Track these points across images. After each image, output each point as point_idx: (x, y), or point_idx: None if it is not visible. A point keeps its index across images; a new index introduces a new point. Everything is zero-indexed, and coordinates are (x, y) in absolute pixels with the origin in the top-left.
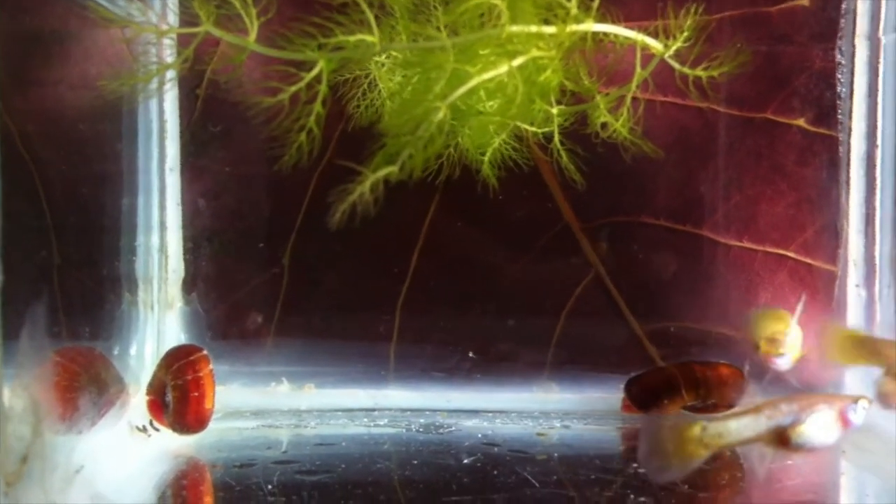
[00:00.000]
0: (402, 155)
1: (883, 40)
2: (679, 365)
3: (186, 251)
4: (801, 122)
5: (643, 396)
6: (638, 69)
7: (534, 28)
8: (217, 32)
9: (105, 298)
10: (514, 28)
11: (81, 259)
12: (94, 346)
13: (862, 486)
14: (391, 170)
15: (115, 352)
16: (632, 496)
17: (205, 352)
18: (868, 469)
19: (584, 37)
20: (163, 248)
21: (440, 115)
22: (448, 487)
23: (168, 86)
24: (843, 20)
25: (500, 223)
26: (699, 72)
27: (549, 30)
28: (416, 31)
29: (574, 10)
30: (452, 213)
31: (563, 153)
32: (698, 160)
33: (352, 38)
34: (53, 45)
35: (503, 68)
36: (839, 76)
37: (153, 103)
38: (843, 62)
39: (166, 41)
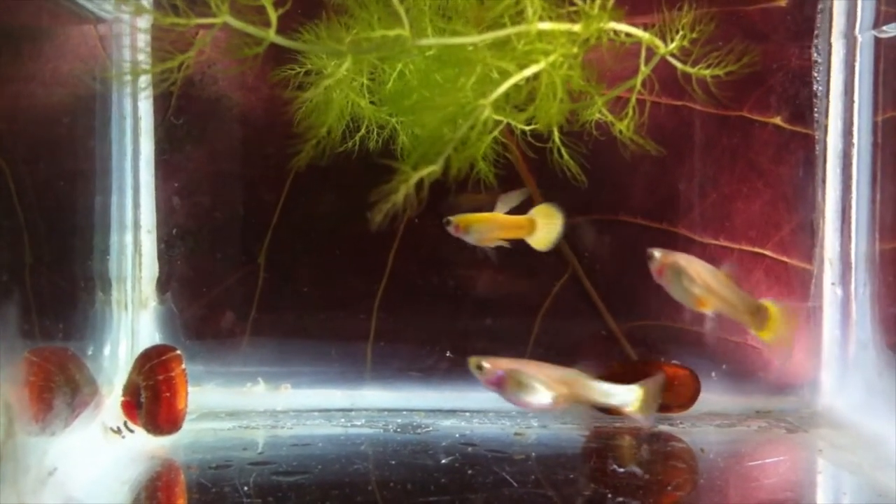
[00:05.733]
0: (443, 153)
1: (859, 38)
2: (624, 363)
3: (160, 250)
4: (777, 119)
5: None
6: (642, 66)
7: (564, 26)
8: (236, 24)
9: (78, 298)
10: (543, 25)
11: (54, 258)
12: (68, 347)
13: (838, 483)
14: (433, 169)
15: (89, 352)
16: (609, 495)
17: (177, 351)
18: (844, 467)
19: (599, 35)
20: (136, 246)
21: (486, 113)
22: (426, 488)
23: (143, 82)
24: (819, 18)
25: None
26: (703, 71)
27: (576, 27)
28: (443, 27)
29: (597, 9)
30: (429, 211)
31: (564, 152)
32: (674, 158)
33: (391, 33)
34: (25, 41)
35: (540, 65)
36: (815, 74)
37: (127, 100)
38: (819, 60)
39: (140, 35)
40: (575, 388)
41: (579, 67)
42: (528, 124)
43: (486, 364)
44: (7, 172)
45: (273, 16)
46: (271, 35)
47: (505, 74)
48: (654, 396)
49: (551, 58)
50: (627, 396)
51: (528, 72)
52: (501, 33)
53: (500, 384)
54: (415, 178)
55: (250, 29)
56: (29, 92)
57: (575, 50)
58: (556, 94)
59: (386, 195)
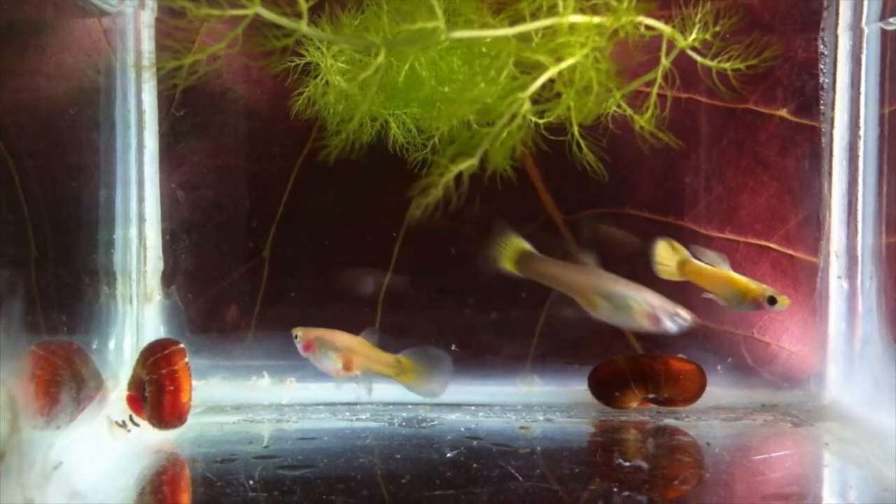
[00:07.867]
0: (480, 148)
1: (866, 30)
2: (629, 358)
3: (165, 243)
4: (783, 112)
5: (598, 389)
6: (663, 59)
7: (595, 19)
8: (268, 15)
9: (83, 292)
10: (576, 18)
11: (58, 252)
12: (73, 341)
13: (844, 477)
14: (471, 163)
15: (94, 346)
16: (615, 489)
17: (181, 345)
18: (850, 461)
19: (628, 27)
20: (141, 240)
21: (525, 106)
22: (431, 481)
23: (147, 75)
24: (825, 10)
25: (483, 215)
26: (724, 64)
27: (605, 21)
28: (474, 20)
29: (626, 2)
30: (434, 205)
31: (583, 144)
32: (680, 151)
33: (429, 25)
34: (30, 35)
35: (575, 58)
36: (822, 66)
37: (131, 93)
38: (825, 52)
39: (144, 30)
40: (360, 355)
41: (607, 60)
42: (560, 118)
43: (300, 332)
44: (12, 166)
45: (304, 6)
46: (303, 27)
47: (539, 68)
48: (420, 367)
49: (584, 50)
50: (394, 368)
51: (564, 65)
52: (533, 26)
53: (308, 349)
54: (453, 171)
55: (283, 21)
56: (33, 85)
57: (604, 43)
58: (593, 87)
59: (424, 189)
